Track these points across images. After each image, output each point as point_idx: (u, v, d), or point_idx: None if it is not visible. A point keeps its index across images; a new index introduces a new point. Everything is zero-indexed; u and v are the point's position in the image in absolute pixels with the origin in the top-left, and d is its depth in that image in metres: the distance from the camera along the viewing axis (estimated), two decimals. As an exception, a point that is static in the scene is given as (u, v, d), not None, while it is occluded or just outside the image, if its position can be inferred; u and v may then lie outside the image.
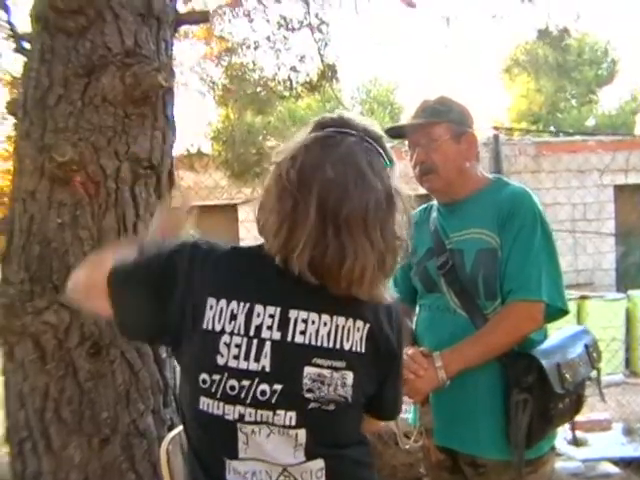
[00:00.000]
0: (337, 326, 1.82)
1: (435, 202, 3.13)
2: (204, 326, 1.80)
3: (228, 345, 1.78)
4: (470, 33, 7.81)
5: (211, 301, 1.81)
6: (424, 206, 3.20)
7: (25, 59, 6.47)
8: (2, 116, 8.32)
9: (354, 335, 1.83)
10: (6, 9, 7.31)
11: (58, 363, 3.31)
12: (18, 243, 3.45)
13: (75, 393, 3.31)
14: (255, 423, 1.78)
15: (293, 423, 1.78)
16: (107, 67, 3.38)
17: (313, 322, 1.80)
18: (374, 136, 1.90)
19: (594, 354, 2.94)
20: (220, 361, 1.78)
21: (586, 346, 2.93)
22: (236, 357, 1.77)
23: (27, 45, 6.39)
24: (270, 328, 1.79)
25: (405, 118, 3.39)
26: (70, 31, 3.43)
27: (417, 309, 3.12)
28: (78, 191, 3.34)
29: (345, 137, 1.83)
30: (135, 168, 3.42)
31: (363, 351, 1.84)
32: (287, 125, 10.98)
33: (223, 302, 1.80)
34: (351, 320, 1.83)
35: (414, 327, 3.10)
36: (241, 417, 1.78)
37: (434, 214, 3.07)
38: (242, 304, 1.80)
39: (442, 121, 2.89)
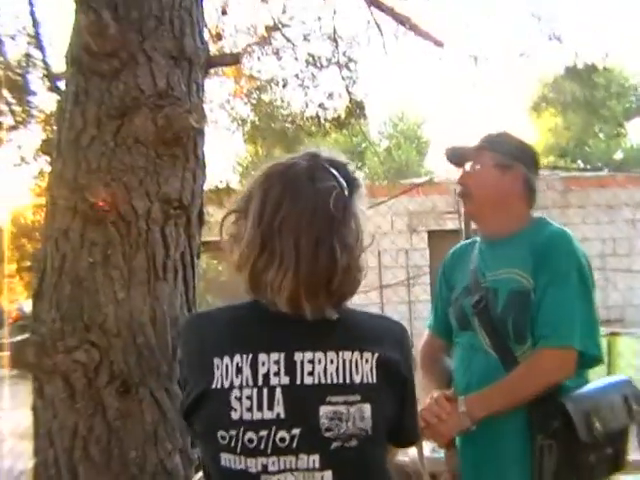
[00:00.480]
0: (344, 361, 1.81)
1: (479, 238, 3.10)
2: (213, 386, 1.82)
3: (239, 399, 1.79)
4: (497, 70, 7.89)
5: (217, 361, 1.83)
6: (468, 241, 3.21)
7: (58, 98, 6.60)
8: (36, 153, 8.49)
9: (363, 367, 1.83)
10: (42, 49, 7.49)
11: (87, 402, 3.32)
12: (50, 281, 3.48)
13: (104, 432, 3.31)
14: (279, 472, 1.77)
15: (317, 465, 1.77)
16: (140, 109, 3.44)
17: (320, 361, 1.81)
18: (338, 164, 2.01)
19: (634, 406, 2.79)
20: (234, 416, 1.78)
21: (625, 397, 2.79)
22: (249, 409, 1.78)
23: (61, 84, 6.53)
24: (277, 374, 1.80)
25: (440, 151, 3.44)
26: (104, 73, 3.49)
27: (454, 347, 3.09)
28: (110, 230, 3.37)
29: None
30: (166, 208, 3.46)
31: (375, 381, 1.84)
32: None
33: (227, 359, 1.83)
34: (357, 353, 1.83)
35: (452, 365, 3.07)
36: (264, 468, 1.77)
37: (475, 250, 3.06)
38: (245, 356, 1.82)
39: (491, 149, 2.90)
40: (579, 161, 25.55)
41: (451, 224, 16.41)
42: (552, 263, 2.69)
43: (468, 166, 2.97)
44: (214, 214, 8.91)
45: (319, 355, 1.81)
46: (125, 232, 3.40)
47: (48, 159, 7.48)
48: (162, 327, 3.38)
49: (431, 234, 18.44)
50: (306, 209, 1.83)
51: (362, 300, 14.30)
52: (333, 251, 1.81)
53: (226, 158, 11.68)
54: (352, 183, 1.97)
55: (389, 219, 17.62)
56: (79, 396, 3.32)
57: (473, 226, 3.42)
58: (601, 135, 26.86)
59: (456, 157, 3.03)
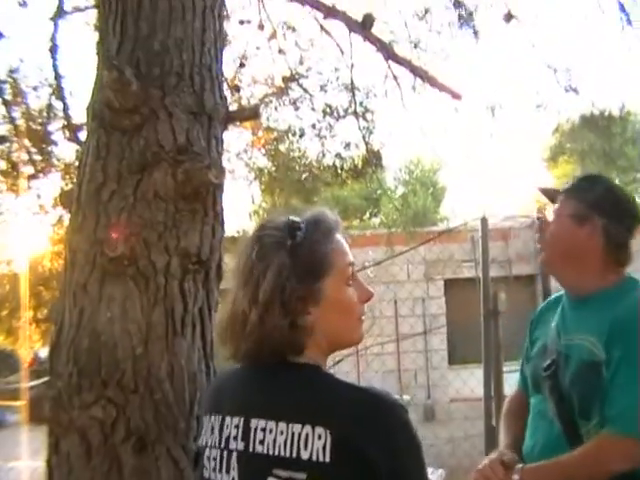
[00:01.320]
0: (293, 434, 1.71)
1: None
2: (199, 443, 1.92)
3: (209, 458, 1.84)
4: (514, 120, 7.94)
5: (205, 419, 1.93)
6: (557, 295, 2.95)
7: (78, 148, 6.67)
8: (55, 202, 8.56)
9: (314, 443, 1.67)
10: (63, 101, 7.61)
11: (103, 458, 3.28)
12: (67, 335, 3.47)
13: (119, 489, 3.28)
14: None
15: None
16: (159, 164, 3.46)
17: (271, 431, 1.74)
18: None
19: None
20: (205, 474, 1.84)
21: None
22: (214, 469, 1.81)
23: (81, 135, 6.60)
24: (235, 439, 1.80)
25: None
26: (125, 129, 3.52)
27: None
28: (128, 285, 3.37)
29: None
30: (184, 263, 3.45)
31: (327, 460, 1.66)
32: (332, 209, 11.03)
33: (207, 417, 1.91)
34: (309, 427, 1.69)
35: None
36: None
37: (559, 307, 2.84)
38: (218, 417, 1.86)
39: (572, 196, 2.71)
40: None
41: (468, 272, 16.33)
42: (628, 338, 2.43)
43: (549, 212, 2.77)
44: (231, 263, 8.94)
45: (271, 424, 1.75)
46: (144, 286, 3.40)
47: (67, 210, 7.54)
48: (180, 383, 3.35)
49: (448, 283, 18.36)
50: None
51: (378, 349, 14.20)
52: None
53: (243, 207, 11.78)
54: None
55: (405, 268, 17.58)
56: (95, 452, 3.29)
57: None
58: (618, 180, 26.78)
59: (548, 195, 2.84)
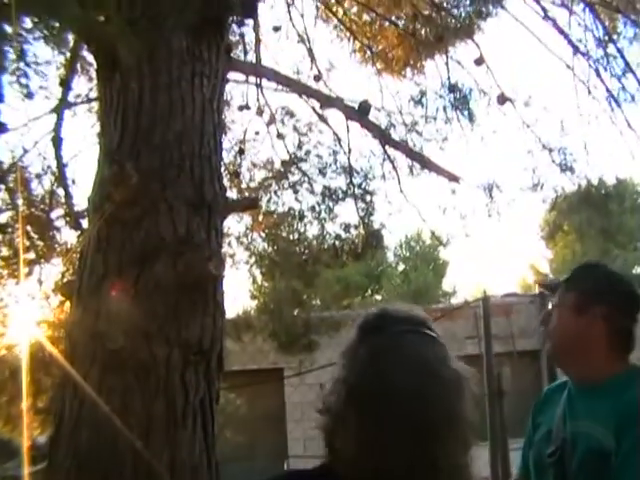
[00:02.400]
0: None
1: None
2: None
3: None
4: (511, 199, 8.07)
5: None
6: (563, 380, 2.87)
7: (80, 234, 6.69)
8: (56, 288, 8.56)
9: None
10: (65, 189, 7.71)
11: None
12: (67, 427, 3.44)
13: None
14: None
15: None
16: (160, 255, 3.49)
17: None
18: (423, 322, 1.84)
19: None
20: None
21: None
22: None
23: (83, 222, 6.64)
24: None
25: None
26: (126, 221, 3.56)
27: None
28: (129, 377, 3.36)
29: (400, 336, 1.78)
30: (185, 354, 3.45)
31: None
32: (333, 290, 11.08)
33: None
34: None
35: None
36: None
37: (565, 392, 2.76)
38: None
39: (571, 287, 2.65)
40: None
41: (471, 349, 16.18)
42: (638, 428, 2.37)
43: (551, 304, 2.71)
44: (232, 347, 8.91)
45: None
46: (144, 379, 3.38)
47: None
48: (181, 477, 3.30)
49: (451, 359, 18.13)
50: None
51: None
52: None
53: (244, 291, 11.78)
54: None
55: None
56: None
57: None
58: (617, 251, 26.70)
59: (548, 288, 2.86)
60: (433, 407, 1.57)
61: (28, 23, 6.44)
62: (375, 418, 1.58)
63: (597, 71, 6.72)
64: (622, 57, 6.69)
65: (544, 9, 6.48)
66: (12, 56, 6.97)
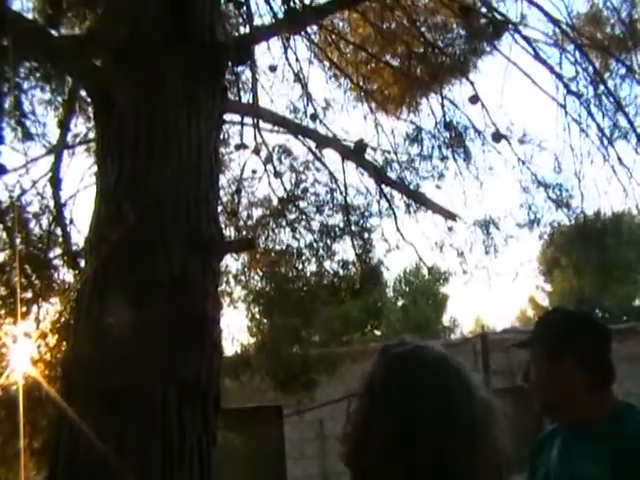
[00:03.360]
0: None
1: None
2: None
3: None
4: (507, 235, 8.09)
5: None
6: (555, 426, 2.88)
7: (77, 273, 6.70)
8: (53, 327, 8.56)
9: None
10: (63, 228, 7.75)
11: None
12: (62, 468, 3.42)
13: None
14: None
15: None
16: (156, 295, 3.50)
17: None
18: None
19: None
20: None
21: None
22: None
23: (81, 261, 6.66)
24: None
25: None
26: (122, 261, 3.58)
27: None
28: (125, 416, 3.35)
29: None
30: (182, 393, 3.44)
31: None
32: (332, 326, 11.06)
33: None
34: None
35: None
36: None
37: (559, 436, 2.76)
38: None
39: (541, 335, 2.68)
40: (597, 310, 25.26)
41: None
42: (636, 466, 2.38)
43: (528, 356, 2.70)
44: (230, 385, 8.88)
45: None
46: (140, 418, 3.37)
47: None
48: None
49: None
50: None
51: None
52: None
53: (241, 328, 11.74)
54: None
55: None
56: None
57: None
58: (616, 284, 26.58)
59: (523, 345, 2.86)
60: (457, 409, 1.56)
61: (27, 67, 6.56)
62: (400, 415, 1.56)
63: (588, 110, 6.82)
64: (612, 96, 6.79)
65: (535, 49, 6.58)
66: (11, 99, 7.09)
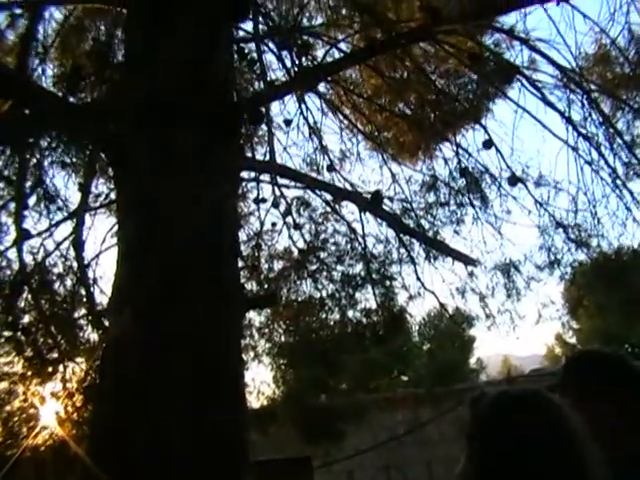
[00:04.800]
0: None
1: None
2: None
3: None
4: (529, 277, 8.08)
5: None
6: None
7: (102, 333, 6.75)
8: (79, 387, 8.59)
9: None
10: (87, 289, 7.83)
11: None
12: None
13: None
14: None
15: None
16: (181, 352, 3.53)
17: None
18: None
19: None
20: None
21: None
22: None
23: (105, 321, 6.72)
24: None
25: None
26: (144, 319, 3.62)
27: None
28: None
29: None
30: (210, 447, 3.44)
31: None
32: (358, 374, 10.98)
33: None
34: None
35: None
36: None
37: None
38: None
39: (571, 379, 2.61)
40: (626, 345, 24.90)
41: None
42: None
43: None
44: (257, 437, 8.82)
45: None
46: (168, 475, 3.37)
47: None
48: None
49: (482, 439, 17.68)
50: None
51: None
52: None
53: (267, 380, 11.71)
54: None
55: (437, 428, 17.11)
56: None
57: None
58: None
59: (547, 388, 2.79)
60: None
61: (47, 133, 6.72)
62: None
63: (600, 152, 6.84)
64: (621, 138, 6.82)
65: (543, 94, 6.64)
66: (33, 165, 7.25)
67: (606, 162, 6.84)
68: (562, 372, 2.74)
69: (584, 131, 6.79)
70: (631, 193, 6.98)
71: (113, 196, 7.19)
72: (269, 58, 7.26)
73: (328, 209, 8.45)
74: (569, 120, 6.73)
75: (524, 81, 6.73)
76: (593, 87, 6.77)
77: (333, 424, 8.82)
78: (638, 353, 23.07)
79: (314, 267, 8.65)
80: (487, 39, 7.15)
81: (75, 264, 7.81)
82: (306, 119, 7.86)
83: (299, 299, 8.58)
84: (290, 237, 8.51)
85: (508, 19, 6.72)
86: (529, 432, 1.69)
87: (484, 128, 7.56)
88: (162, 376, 3.51)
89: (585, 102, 6.66)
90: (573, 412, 1.79)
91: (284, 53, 6.48)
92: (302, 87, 5.75)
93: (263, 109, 4.96)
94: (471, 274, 8.14)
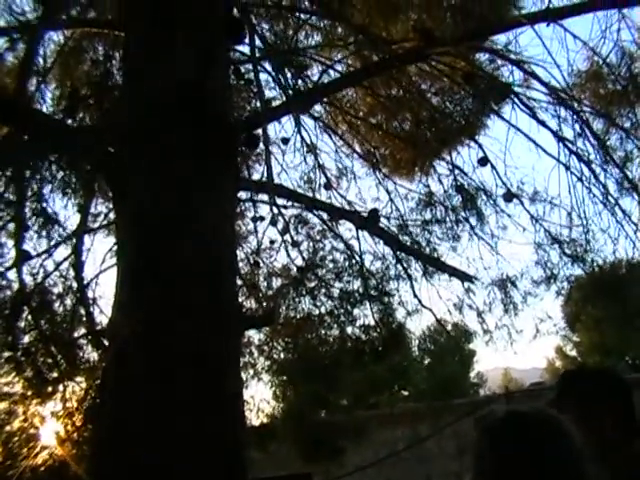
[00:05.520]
0: None
1: None
2: None
3: None
4: (526, 292, 8.14)
5: None
6: None
7: (101, 352, 6.78)
8: (80, 408, 8.60)
9: None
10: (87, 309, 7.87)
11: None
12: None
13: None
14: None
15: None
16: (179, 373, 3.57)
17: None
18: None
19: None
20: None
21: None
22: None
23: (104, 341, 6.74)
24: None
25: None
26: (143, 339, 3.65)
27: None
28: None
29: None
30: (209, 467, 3.48)
31: None
32: (358, 389, 10.97)
33: None
34: None
35: None
36: None
37: None
38: None
39: (569, 394, 2.69)
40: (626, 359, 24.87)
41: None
42: None
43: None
44: (257, 455, 8.82)
45: None
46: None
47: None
48: None
49: (480, 454, 17.62)
50: None
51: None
52: None
53: (266, 398, 11.69)
54: None
55: (436, 443, 17.07)
56: None
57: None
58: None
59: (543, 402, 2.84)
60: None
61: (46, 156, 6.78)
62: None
63: (591, 169, 6.91)
64: (611, 158, 6.89)
65: (535, 113, 6.71)
66: (32, 187, 7.30)
67: (597, 179, 6.92)
68: (559, 387, 2.81)
69: (576, 149, 6.86)
70: (623, 210, 7.06)
71: (112, 216, 7.24)
72: (265, 77, 7.33)
73: (326, 227, 8.50)
74: (561, 138, 6.80)
75: (516, 99, 6.81)
76: (585, 107, 6.85)
77: (333, 441, 8.82)
78: (638, 365, 23.08)
79: (312, 284, 8.69)
80: (481, 56, 7.24)
81: (75, 284, 7.85)
82: (302, 138, 7.92)
83: (298, 316, 8.61)
84: (288, 254, 8.55)
85: (501, 37, 6.81)
86: (541, 449, 1.75)
87: (479, 145, 7.62)
88: (161, 397, 3.55)
89: (576, 121, 6.74)
90: (575, 428, 1.85)
91: (280, 74, 6.55)
92: (298, 109, 5.81)
93: (260, 130, 5.02)
94: (468, 290, 8.20)
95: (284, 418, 9.89)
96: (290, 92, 6.22)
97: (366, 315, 8.90)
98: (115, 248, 6.59)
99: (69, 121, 5.95)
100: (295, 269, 8.70)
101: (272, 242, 8.57)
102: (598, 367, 3.47)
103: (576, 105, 6.72)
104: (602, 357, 24.52)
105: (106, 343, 6.54)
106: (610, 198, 6.95)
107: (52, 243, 7.36)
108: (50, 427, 9.39)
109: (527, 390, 15.95)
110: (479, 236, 8.09)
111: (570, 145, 6.82)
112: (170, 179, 4.06)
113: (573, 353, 29.14)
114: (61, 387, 8.90)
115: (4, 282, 7.63)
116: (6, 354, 8.00)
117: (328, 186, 8.09)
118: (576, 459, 1.77)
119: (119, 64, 6.53)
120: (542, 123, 6.76)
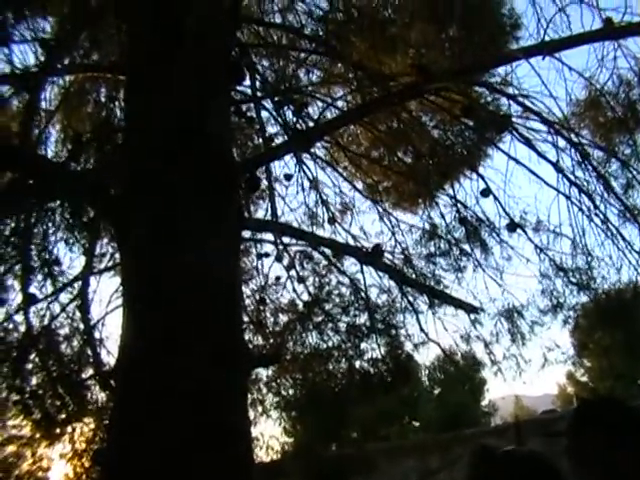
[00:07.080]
0: None
1: None
2: None
3: None
4: (532, 322, 8.09)
5: None
6: None
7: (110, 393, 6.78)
8: (88, 450, 8.58)
9: None
10: (94, 350, 7.88)
11: None
12: None
13: None
14: None
15: None
16: (183, 412, 3.55)
17: None
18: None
19: None
20: None
21: None
22: None
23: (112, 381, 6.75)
24: None
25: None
26: (148, 379, 3.65)
27: None
28: None
29: None
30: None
31: None
32: (367, 422, 10.91)
33: None
34: None
35: None
36: None
37: None
38: None
39: (593, 423, 2.65)
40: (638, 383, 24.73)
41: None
42: None
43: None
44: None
45: None
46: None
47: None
48: None
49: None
50: None
51: None
52: None
53: (275, 435, 11.60)
54: None
55: (448, 474, 16.98)
56: None
57: None
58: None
59: (554, 435, 2.82)
60: None
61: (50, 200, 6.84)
62: None
63: (591, 199, 6.94)
64: (610, 189, 6.93)
65: (534, 146, 6.75)
66: (38, 230, 7.35)
67: (597, 209, 6.94)
68: (580, 417, 2.77)
69: (575, 179, 6.89)
70: (624, 238, 7.08)
71: (117, 256, 7.27)
72: (266, 114, 7.40)
73: (331, 261, 8.52)
74: (560, 170, 6.83)
75: (515, 132, 6.84)
76: (583, 139, 6.89)
77: (343, 476, 8.76)
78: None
79: (319, 319, 8.69)
80: (479, 89, 7.30)
81: (82, 325, 7.86)
82: (305, 174, 7.98)
83: (305, 351, 8.60)
84: (294, 290, 8.56)
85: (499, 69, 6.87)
86: None
87: (481, 177, 7.65)
88: (165, 436, 3.54)
89: (575, 153, 6.78)
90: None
91: (281, 112, 6.61)
92: (300, 148, 5.86)
93: (263, 168, 5.06)
94: (475, 321, 8.19)
95: (294, 454, 9.83)
96: (291, 130, 6.27)
97: (373, 348, 8.90)
98: (121, 288, 6.60)
99: (72, 164, 6.01)
100: (301, 304, 8.71)
101: (278, 278, 8.59)
102: (613, 396, 3.39)
103: (574, 137, 6.75)
104: (613, 382, 24.37)
105: (113, 384, 6.54)
106: (611, 227, 6.97)
107: (58, 286, 7.38)
108: (59, 469, 9.37)
109: (542, 414, 15.81)
110: (484, 267, 8.11)
111: (570, 176, 6.85)
112: (172, 221, 4.07)
113: (584, 379, 28.98)
114: (69, 428, 8.88)
115: (11, 325, 7.66)
116: (14, 397, 8.00)
117: (332, 221, 8.12)
118: None
119: (121, 106, 6.59)
120: (541, 155, 6.80)
